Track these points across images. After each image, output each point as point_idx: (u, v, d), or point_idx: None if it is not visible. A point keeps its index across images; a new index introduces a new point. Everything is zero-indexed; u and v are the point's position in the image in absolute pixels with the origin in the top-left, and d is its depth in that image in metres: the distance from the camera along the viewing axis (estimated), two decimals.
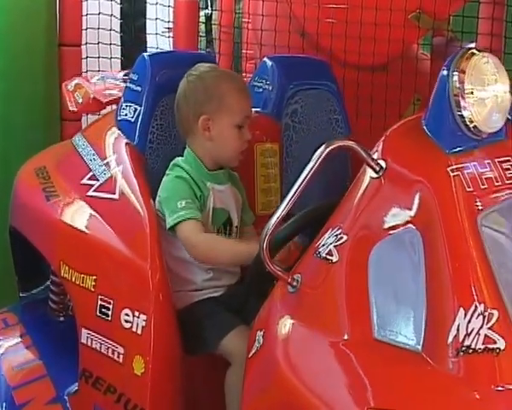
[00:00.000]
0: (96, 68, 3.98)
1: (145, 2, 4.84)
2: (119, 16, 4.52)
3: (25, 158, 3.03)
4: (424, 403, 1.70)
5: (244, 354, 2.24)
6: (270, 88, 2.89)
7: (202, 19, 4.98)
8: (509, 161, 1.97)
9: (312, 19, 3.97)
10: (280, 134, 2.90)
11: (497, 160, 1.96)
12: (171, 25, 4.29)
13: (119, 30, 4.49)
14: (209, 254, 2.40)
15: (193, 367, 2.46)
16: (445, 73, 1.89)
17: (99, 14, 4.15)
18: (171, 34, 4.41)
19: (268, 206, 2.85)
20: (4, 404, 2.62)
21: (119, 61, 4.39)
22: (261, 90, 2.91)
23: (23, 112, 3.66)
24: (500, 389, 1.70)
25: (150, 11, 4.67)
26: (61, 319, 2.87)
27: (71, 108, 3.06)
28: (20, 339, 2.80)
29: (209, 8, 5.14)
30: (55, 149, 3.06)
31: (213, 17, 5.05)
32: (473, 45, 4.34)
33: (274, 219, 2.00)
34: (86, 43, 3.94)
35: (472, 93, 1.86)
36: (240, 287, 2.52)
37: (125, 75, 3.14)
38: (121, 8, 4.64)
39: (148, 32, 4.78)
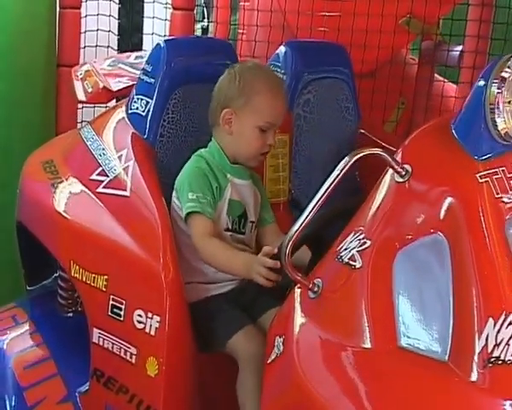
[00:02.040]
0: None
1: (142, 17, 4.83)
2: (116, 32, 4.50)
3: None
4: None
5: (251, 354, 2.28)
6: (284, 77, 2.83)
7: (199, 32, 4.95)
8: None
9: (305, 28, 3.98)
10: (290, 124, 2.86)
11: None
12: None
13: (116, 47, 4.47)
14: (209, 259, 2.38)
15: (206, 364, 2.42)
16: (482, 82, 1.84)
17: (97, 30, 4.12)
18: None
19: (276, 194, 2.84)
20: (15, 404, 2.58)
21: None
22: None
23: (20, 138, 3.63)
24: None
25: (147, 26, 4.65)
26: (70, 314, 2.82)
27: (79, 98, 2.99)
28: (30, 337, 2.75)
29: (205, 20, 5.11)
30: (62, 140, 3.00)
31: (210, 29, 5.05)
32: (459, 48, 4.42)
33: (296, 227, 1.95)
34: (85, 63, 3.84)
35: (510, 102, 1.81)
36: (250, 282, 2.48)
37: (136, 58, 3.07)
38: (119, 23, 4.61)
39: (144, 47, 4.74)
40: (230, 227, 2.47)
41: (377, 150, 1.91)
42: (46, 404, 2.57)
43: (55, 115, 3.72)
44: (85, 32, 3.97)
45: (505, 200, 1.84)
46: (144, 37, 4.81)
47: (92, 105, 3.46)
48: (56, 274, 2.90)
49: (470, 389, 1.70)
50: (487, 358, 1.70)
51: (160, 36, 4.36)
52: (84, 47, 3.95)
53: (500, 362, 1.69)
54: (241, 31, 4.63)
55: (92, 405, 2.53)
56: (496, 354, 1.70)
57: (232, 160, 2.48)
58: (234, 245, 2.44)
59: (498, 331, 1.71)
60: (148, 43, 4.52)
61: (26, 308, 2.89)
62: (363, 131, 3.14)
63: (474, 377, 1.70)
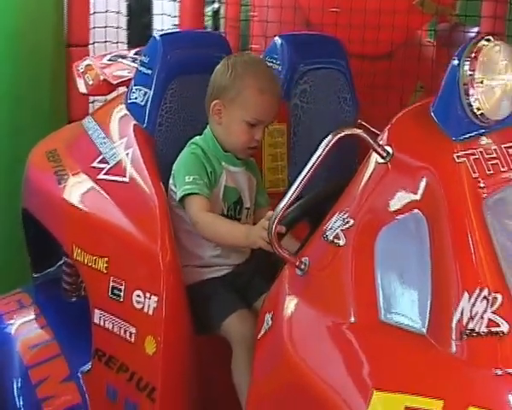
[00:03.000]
0: None
1: None
2: (125, 13, 4.56)
3: None
4: (428, 384, 1.74)
5: (244, 336, 2.36)
6: (280, 68, 2.91)
7: (210, 14, 4.98)
8: None
9: (317, 9, 3.99)
10: (288, 114, 2.93)
11: (503, 146, 1.98)
12: (177, 20, 4.31)
13: (126, 27, 4.53)
14: (208, 232, 2.44)
15: (204, 346, 2.50)
16: (455, 61, 1.90)
17: (106, 11, 4.18)
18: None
19: (275, 184, 2.91)
20: (20, 382, 2.69)
21: None
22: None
23: (31, 118, 3.69)
24: (502, 373, 1.73)
25: (157, 7, 4.69)
26: (74, 299, 2.93)
27: (81, 91, 3.09)
28: (34, 319, 2.87)
29: (216, 2, 5.14)
30: (65, 131, 3.11)
31: (221, 11, 5.06)
32: (476, 30, 4.41)
33: (282, 205, 2.03)
34: (94, 43, 3.98)
35: (482, 82, 1.87)
36: (246, 266, 2.57)
37: (135, 53, 3.17)
38: (128, 4, 4.67)
39: (154, 27, 4.79)
40: (226, 213, 2.54)
41: (358, 131, 1.99)
42: (49, 382, 2.68)
43: (67, 95, 3.75)
44: (94, 13, 4.03)
45: (482, 180, 1.90)
46: (154, 17, 4.85)
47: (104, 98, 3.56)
48: (61, 262, 3.01)
49: (447, 360, 1.77)
50: (463, 330, 1.77)
51: (170, 16, 4.42)
52: (94, 28, 4.01)
53: (475, 334, 1.77)
54: (252, 13, 4.65)
55: (94, 384, 2.64)
56: (471, 326, 1.77)
57: (225, 148, 2.56)
58: None
59: (473, 305, 1.78)
60: (158, 24, 4.57)
61: (30, 293, 3.00)
62: (362, 122, 3.20)
63: (450, 348, 1.78)
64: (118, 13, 4.29)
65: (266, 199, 2.68)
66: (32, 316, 2.87)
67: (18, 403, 2.66)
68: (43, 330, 2.80)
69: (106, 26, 4.16)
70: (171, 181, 2.54)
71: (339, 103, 3.07)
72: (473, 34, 4.51)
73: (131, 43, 4.56)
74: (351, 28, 3.80)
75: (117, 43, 4.25)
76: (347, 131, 2.01)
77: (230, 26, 4.64)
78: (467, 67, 1.89)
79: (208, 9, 4.91)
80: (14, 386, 2.69)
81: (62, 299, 2.93)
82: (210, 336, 2.49)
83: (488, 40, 1.92)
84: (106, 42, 4.16)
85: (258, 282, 2.52)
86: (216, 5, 5.10)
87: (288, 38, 3.06)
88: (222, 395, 2.42)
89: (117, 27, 4.26)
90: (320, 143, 2.01)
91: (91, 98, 3.73)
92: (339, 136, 1.98)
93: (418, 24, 4.45)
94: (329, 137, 1.98)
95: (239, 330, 2.39)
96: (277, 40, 3.01)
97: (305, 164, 2.03)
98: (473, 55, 1.89)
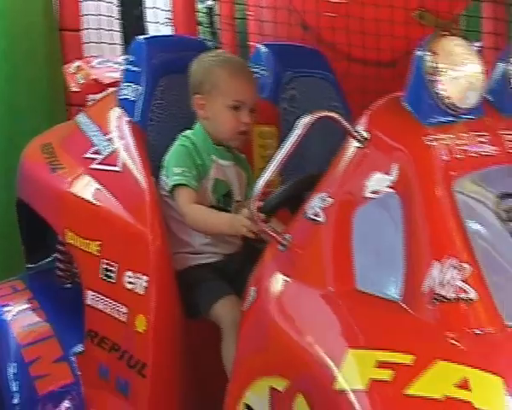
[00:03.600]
0: (98, 53, 4.09)
1: None
2: (117, 3, 4.65)
3: (29, 139, 3.20)
4: (399, 342, 1.88)
5: (232, 321, 2.46)
6: (267, 73, 3.06)
7: (204, 10, 5.10)
8: (484, 135, 2.14)
9: (312, 12, 4.05)
10: (278, 118, 3.06)
11: (473, 134, 2.13)
12: (170, 14, 4.45)
13: (119, 16, 4.63)
14: (195, 223, 2.57)
15: (195, 331, 2.62)
16: (419, 53, 2.08)
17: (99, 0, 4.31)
18: (169, 24, 4.56)
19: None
20: (14, 361, 2.81)
21: (120, 47, 4.52)
22: (257, 75, 3.03)
23: (27, 93, 3.78)
24: (470, 333, 1.87)
25: (148, 0, 4.84)
26: (68, 286, 3.06)
27: (73, 89, 3.24)
28: (28, 303, 2.99)
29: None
30: (60, 128, 3.26)
31: (215, 9, 5.19)
32: (478, 44, 4.56)
33: (262, 182, 2.18)
34: (87, 29, 4.10)
35: (446, 71, 2.05)
36: (236, 257, 2.70)
37: (124, 59, 3.33)
38: None
39: (147, 20, 4.93)
40: (215, 205, 2.66)
41: (335, 114, 2.16)
42: (42, 362, 2.80)
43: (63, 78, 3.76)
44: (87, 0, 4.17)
45: (452, 162, 2.06)
46: (147, 10, 4.98)
47: None
48: (54, 255, 3.15)
49: (418, 322, 1.92)
50: (433, 296, 1.92)
51: (162, 10, 4.55)
52: (87, 15, 4.14)
53: (445, 300, 1.91)
54: (248, 12, 4.65)
55: (86, 364, 2.76)
56: (440, 292, 1.92)
57: (216, 141, 2.69)
58: None
59: (443, 273, 1.93)
60: (152, 17, 4.72)
61: (24, 280, 3.13)
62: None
63: (421, 313, 1.92)
64: (109, 2, 4.42)
65: None
66: (26, 300, 2.99)
67: (11, 381, 2.78)
68: (35, 312, 2.93)
69: (99, 14, 4.28)
70: (162, 172, 2.67)
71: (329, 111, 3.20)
72: (475, 48, 4.66)
73: (126, 32, 4.67)
74: (349, 33, 3.88)
75: (110, 30, 4.38)
76: (322, 114, 2.17)
77: (225, 24, 4.68)
78: (428, 58, 2.07)
79: (202, 6, 5.03)
80: (8, 364, 2.80)
81: (55, 285, 3.06)
82: (200, 320, 2.60)
83: (445, 35, 2.11)
84: (99, 29, 4.28)
85: (249, 272, 2.61)
86: (210, 2, 5.21)
87: (272, 46, 3.22)
88: (210, 377, 2.53)
89: (109, 16, 4.38)
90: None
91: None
92: (315, 117, 2.15)
93: (418, 35, 4.51)
94: (307, 118, 2.14)
95: (228, 315, 2.50)
96: (261, 48, 3.17)
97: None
98: (433, 47, 2.07)
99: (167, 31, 4.55)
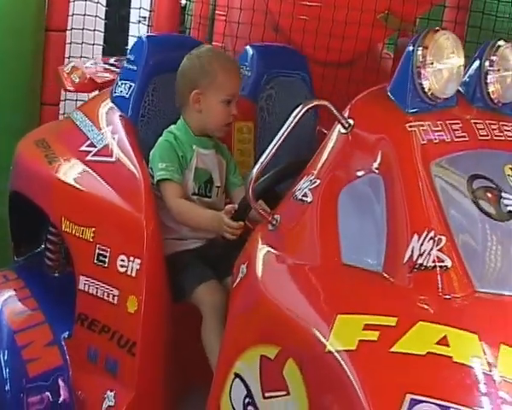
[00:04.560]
0: (79, 54, 4.27)
1: None
2: (104, 3, 4.81)
3: (7, 135, 3.35)
4: (383, 307, 2.04)
5: (212, 304, 2.63)
6: (249, 74, 3.25)
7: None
8: (458, 123, 2.33)
9: (286, 14, 4.27)
10: (255, 114, 3.27)
11: (448, 121, 2.31)
12: (147, 14, 4.60)
13: (103, 17, 4.78)
14: (181, 217, 2.74)
15: (180, 315, 2.74)
16: (411, 47, 2.27)
17: (86, 0, 4.43)
18: (146, 23, 4.74)
19: (242, 177, 3.20)
20: (6, 346, 2.90)
21: (101, 47, 4.69)
22: (241, 75, 3.23)
23: (9, 90, 3.90)
24: (446, 297, 2.05)
25: (134, 0, 4.98)
26: (57, 275, 3.17)
27: (68, 87, 3.39)
28: (19, 291, 3.09)
29: None
30: (52, 125, 3.40)
31: (189, 8, 5.33)
32: None
33: (257, 168, 2.35)
34: (71, 29, 4.21)
35: (432, 63, 2.24)
36: (218, 241, 2.83)
37: (115, 61, 3.49)
38: None
39: (131, 19, 5.11)
40: (197, 192, 2.83)
41: (325, 103, 2.33)
42: (34, 346, 2.90)
43: (42, 77, 3.99)
44: (74, 0, 4.28)
45: (430, 145, 2.25)
46: (132, 10, 5.16)
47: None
48: (42, 246, 3.28)
49: (399, 289, 2.08)
50: (413, 265, 2.08)
51: (147, 10, 4.70)
52: (73, 15, 4.25)
53: (423, 268, 2.08)
54: (219, 12, 4.86)
55: (76, 347, 2.87)
56: (420, 261, 2.08)
57: (198, 133, 2.85)
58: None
59: (421, 244, 2.10)
60: (135, 17, 4.87)
61: (15, 270, 3.24)
62: (322, 129, 3.50)
63: (402, 281, 2.09)
64: (97, 3, 4.55)
65: (239, 179, 2.97)
66: (18, 288, 3.10)
67: (4, 364, 2.87)
68: (27, 300, 3.03)
69: (85, 14, 4.39)
70: (149, 165, 2.82)
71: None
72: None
73: (108, 32, 4.84)
74: (317, 36, 4.09)
75: (94, 31, 4.50)
76: (316, 102, 2.34)
77: (198, 23, 4.88)
78: (420, 53, 2.26)
79: None
80: (1, 348, 2.90)
81: (45, 274, 3.17)
82: (186, 307, 2.72)
83: (437, 30, 2.30)
84: (83, 29, 4.40)
85: (230, 259, 2.70)
86: (183, 1, 5.35)
87: (259, 48, 3.42)
88: (192, 355, 2.67)
89: (95, 16, 4.50)
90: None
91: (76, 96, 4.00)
92: (308, 106, 2.32)
93: (380, 37, 4.73)
94: (300, 107, 2.31)
95: (208, 298, 2.66)
96: (249, 49, 3.36)
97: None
98: (425, 42, 2.26)
99: (145, 30, 4.69)
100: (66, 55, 4.18)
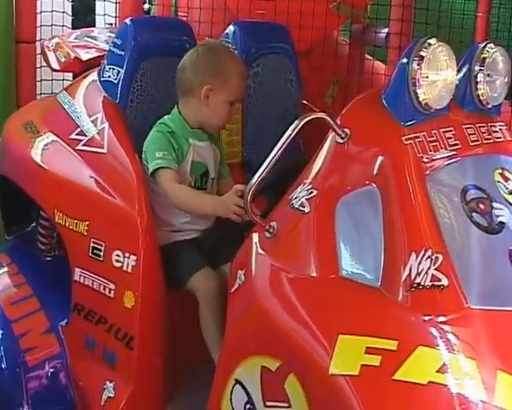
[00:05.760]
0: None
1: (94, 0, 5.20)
2: (70, 13, 4.86)
3: None
4: (383, 329, 2.09)
5: (208, 291, 2.67)
6: (236, 52, 3.21)
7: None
8: (451, 130, 2.35)
9: (245, 10, 4.43)
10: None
11: (441, 130, 2.34)
12: (112, 20, 4.61)
13: (70, 26, 4.78)
14: (179, 203, 2.74)
15: (175, 303, 2.77)
16: (405, 59, 2.26)
17: (52, 11, 4.45)
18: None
19: (231, 156, 3.21)
20: (4, 335, 2.93)
21: None
22: None
23: None
24: (443, 319, 2.10)
25: (99, 7, 4.98)
26: (49, 258, 3.19)
27: (53, 67, 3.33)
28: (14, 278, 3.10)
29: (147, 3, 5.43)
30: (38, 104, 3.35)
31: (151, 12, 5.41)
32: (386, 30, 4.92)
33: (256, 177, 2.36)
34: (40, 40, 4.14)
35: (427, 77, 2.24)
36: (212, 231, 2.89)
37: (99, 32, 3.43)
38: (72, 5, 5.02)
39: (97, 26, 5.07)
40: (193, 185, 2.84)
41: (323, 115, 2.33)
42: (31, 335, 2.93)
43: (16, 88, 4.01)
44: (41, 12, 4.28)
45: (425, 159, 2.27)
46: (97, 17, 5.15)
47: (50, 79, 3.79)
48: (33, 224, 3.28)
49: (397, 307, 2.13)
50: (411, 284, 2.13)
51: (111, 16, 4.71)
52: (41, 26, 4.25)
53: (421, 287, 2.13)
54: (181, 13, 4.98)
55: (73, 335, 2.92)
56: (417, 280, 2.13)
57: (194, 126, 2.84)
58: None
59: (419, 263, 2.14)
60: (101, 23, 4.88)
61: (8, 253, 3.24)
62: (305, 101, 3.52)
63: (400, 298, 2.13)
64: (63, 13, 4.56)
65: (227, 170, 3.00)
66: (12, 275, 3.11)
67: (2, 353, 2.91)
68: (22, 287, 3.05)
69: (52, 25, 4.42)
70: (143, 156, 2.80)
71: (285, 84, 3.40)
72: (383, 34, 5.03)
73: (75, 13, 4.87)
74: None
75: (63, 12, 4.53)
76: (314, 116, 2.35)
77: (159, 6, 4.98)
78: (415, 65, 2.26)
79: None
80: None
81: (38, 258, 3.19)
82: (182, 296, 2.75)
83: (432, 41, 2.29)
84: (52, 11, 4.43)
85: (224, 248, 2.79)
86: (146, 6, 5.37)
87: (241, 24, 3.37)
88: (189, 342, 2.72)
89: (62, 25, 4.52)
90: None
91: (61, 76, 3.97)
92: (306, 119, 2.32)
93: (335, 25, 4.98)
94: (297, 121, 2.32)
95: (204, 286, 2.70)
96: (231, 27, 3.31)
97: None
98: (420, 53, 2.26)
99: None
100: (38, 66, 4.15)
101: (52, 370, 2.90)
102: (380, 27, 5.08)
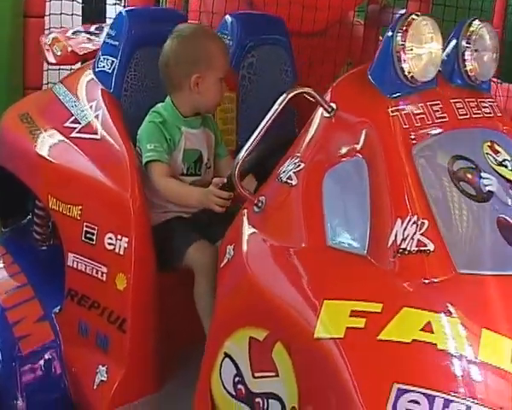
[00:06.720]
0: None
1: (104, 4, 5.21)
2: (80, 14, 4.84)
3: None
4: (368, 292, 2.09)
5: (205, 264, 2.68)
6: (231, 43, 3.26)
7: None
8: (438, 104, 2.37)
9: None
10: (237, 84, 3.29)
11: (428, 103, 2.35)
12: None
13: (80, 0, 4.79)
14: (167, 195, 2.79)
15: (166, 284, 2.80)
16: (390, 33, 2.29)
17: (61, 14, 4.44)
18: (121, 4, 4.75)
19: (226, 144, 3.21)
20: None
21: None
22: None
23: None
24: (429, 281, 2.11)
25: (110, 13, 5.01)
26: (44, 248, 3.21)
27: (50, 60, 3.37)
28: (9, 267, 3.13)
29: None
30: (35, 96, 3.39)
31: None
32: (403, 11, 4.85)
33: (243, 152, 2.38)
34: (49, 14, 4.21)
35: (411, 49, 2.27)
36: (204, 213, 2.86)
37: (96, 29, 3.47)
38: (82, 7, 4.96)
39: (107, 2, 5.09)
40: (186, 172, 2.87)
41: (309, 89, 2.35)
42: (25, 323, 2.95)
43: (23, 64, 4.00)
44: (50, 14, 4.26)
45: (412, 130, 2.28)
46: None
47: (57, 68, 3.81)
48: (29, 217, 3.31)
49: (383, 272, 2.14)
50: (397, 249, 2.13)
51: (120, 5, 4.77)
52: (50, 0, 4.26)
53: (406, 252, 2.13)
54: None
55: (66, 321, 2.93)
56: (403, 246, 2.13)
57: (188, 113, 2.87)
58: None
59: (405, 229, 2.15)
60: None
61: (3, 244, 3.27)
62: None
63: (386, 265, 2.14)
64: (72, 15, 4.56)
65: (225, 149, 3.02)
66: (6, 264, 3.14)
67: None
68: (17, 276, 3.07)
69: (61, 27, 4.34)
70: (137, 144, 2.84)
71: (280, 75, 3.45)
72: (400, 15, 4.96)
73: (85, 16, 4.87)
74: (291, 7, 4.10)
75: (72, 15, 4.51)
76: (300, 90, 2.37)
77: (173, 1, 4.92)
78: (399, 38, 2.28)
79: None
80: None
81: (33, 248, 3.21)
82: (172, 273, 2.79)
83: (417, 15, 2.32)
84: (61, 14, 4.41)
85: (217, 227, 2.76)
86: None
87: (237, 16, 3.41)
88: (182, 324, 2.74)
89: (73, 0, 4.54)
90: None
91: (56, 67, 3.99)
92: (293, 93, 2.34)
93: (351, 5, 4.86)
94: (284, 95, 2.34)
95: (199, 258, 2.71)
96: (228, 18, 3.36)
97: (260, 121, 2.37)
98: (404, 27, 2.28)
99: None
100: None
101: (46, 358, 2.90)
102: (397, 8, 4.97)
